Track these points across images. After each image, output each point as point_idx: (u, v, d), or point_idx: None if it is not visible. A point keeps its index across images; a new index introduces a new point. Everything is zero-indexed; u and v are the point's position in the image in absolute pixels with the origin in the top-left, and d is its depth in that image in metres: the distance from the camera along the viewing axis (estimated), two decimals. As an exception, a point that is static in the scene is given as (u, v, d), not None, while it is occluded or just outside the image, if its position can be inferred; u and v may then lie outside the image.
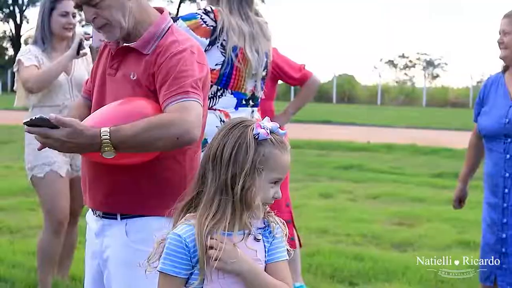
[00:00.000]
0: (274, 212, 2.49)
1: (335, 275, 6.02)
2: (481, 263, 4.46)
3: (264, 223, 2.44)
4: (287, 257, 2.43)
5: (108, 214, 2.91)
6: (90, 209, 3.02)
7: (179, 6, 56.96)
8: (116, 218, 2.89)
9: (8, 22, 63.42)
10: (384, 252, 6.82)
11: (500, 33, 4.37)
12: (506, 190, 4.26)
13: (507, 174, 4.25)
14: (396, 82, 72.13)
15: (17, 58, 5.09)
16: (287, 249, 2.45)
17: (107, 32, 2.89)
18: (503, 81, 4.42)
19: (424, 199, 10.32)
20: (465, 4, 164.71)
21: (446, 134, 22.50)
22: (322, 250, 6.62)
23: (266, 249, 2.41)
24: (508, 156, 4.25)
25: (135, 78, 2.84)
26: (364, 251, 6.75)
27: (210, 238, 2.30)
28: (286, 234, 2.46)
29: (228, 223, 2.32)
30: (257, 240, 2.39)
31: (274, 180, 2.38)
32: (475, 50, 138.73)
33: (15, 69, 5.12)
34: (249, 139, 2.34)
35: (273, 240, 2.42)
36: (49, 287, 5.20)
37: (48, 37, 5.16)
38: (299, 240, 5.68)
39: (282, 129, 2.44)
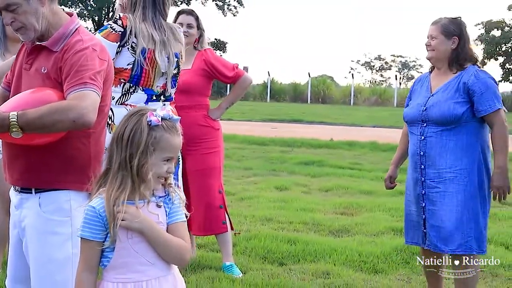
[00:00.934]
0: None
1: (267, 256, 6.41)
2: (406, 227, 5.18)
3: (165, 192, 2.91)
4: (184, 219, 2.91)
5: (24, 189, 3.33)
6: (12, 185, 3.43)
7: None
8: (31, 192, 3.30)
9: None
10: (318, 237, 7.22)
11: (428, 38, 4.99)
12: (422, 166, 4.88)
13: (421, 153, 4.90)
14: (370, 82, 72.73)
15: None
16: (185, 214, 2.93)
17: (23, 34, 3.33)
18: (428, 79, 5.09)
19: (373, 191, 10.63)
20: (442, 8, 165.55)
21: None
22: (259, 235, 7.00)
23: (167, 213, 2.88)
24: (422, 137, 4.90)
25: (45, 71, 3.27)
26: (300, 236, 7.13)
27: (117, 206, 2.75)
28: (183, 201, 2.94)
29: (130, 194, 2.79)
30: (159, 206, 2.87)
31: (166, 158, 2.85)
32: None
33: None
34: (144, 125, 2.81)
35: (172, 205, 2.91)
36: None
37: (2, 39, 5.53)
38: (230, 224, 6.08)
39: (176, 116, 2.92)
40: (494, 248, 6.97)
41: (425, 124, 4.90)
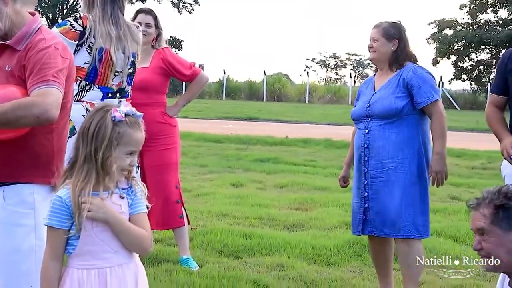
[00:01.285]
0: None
1: (223, 250, 6.58)
2: (352, 218, 5.41)
3: (127, 185, 3.09)
4: (146, 210, 3.09)
5: None
6: None
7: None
8: None
9: None
10: (273, 232, 7.41)
11: (370, 40, 5.33)
12: (366, 158, 5.18)
13: (365, 145, 5.20)
14: (325, 80, 73.20)
15: None
16: (146, 205, 3.12)
17: None
18: (373, 79, 5.42)
19: (327, 187, 10.81)
20: (395, 7, 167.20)
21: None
22: (216, 229, 7.16)
23: (129, 204, 3.06)
24: (366, 131, 5.22)
25: (9, 70, 3.40)
26: (255, 230, 7.31)
27: (82, 197, 2.92)
28: (145, 193, 3.13)
29: (95, 185, 2.96)
30: (122, 197, 3.05)
31: (129, 152, 3.04)
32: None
33: None
34: (108, 120, 2.98)
35: (134, 197, 3.09)
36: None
37: None
38: (187, 219, 6.24)
39: (139, 112, 3.11)
40: (444, 240, 7.23)
41: (369, 119, 5.22)
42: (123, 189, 3.08)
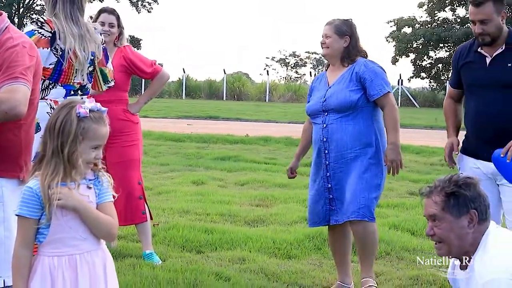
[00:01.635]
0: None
1: (185, 245, 6.74)
2: (310, 211, 5.66)
3: (94, 176, 3.27)
4: (112, 200, 3.28)
5: None
6: None
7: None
8: None
9: None
10: (234, 227, 7.57)
11: (323, 37, 5.59)
12: (326, 151, 5.46)
13: (324, 139, 5.48)
14: (285, 79, 73.44)
15: None
16: (112, 195, 3.31)
17: None
18: (325, 75, 5.69)
19: (287, 184, 10.94)
20: (354, 5, 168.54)
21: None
22: (178, 225, 7.30)
23: (96, 194, 3.24)
24: (324, 125, 5.49)
25: None
26: (216, 226, 7.47)
27: (51, 189, 3.09)
28: (111, 184, 3.31)
29: (63, 177, 3.13)
30: (89, 187, 3.23)
31: (94, 146, 3.21)
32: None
33: None
34: (73, 116, 3.16)
35: (101, 187, 3.27)
36: None
37: None
38: (150, 214, 6.38)
39: (103, 107, 3.32)
40: (401, 233, 7.45)
41: (326, 113, 5.49)
42: (90, 180, 3.25)
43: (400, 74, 46.25)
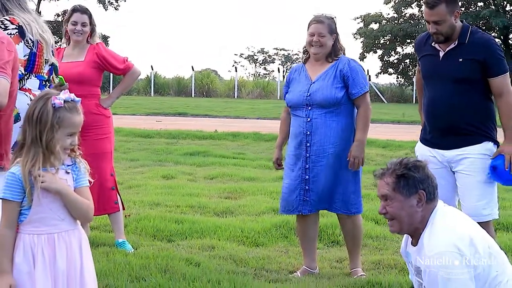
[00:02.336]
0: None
1: (156, 235, 7.01)
2: (284, 199, 5.95)
3: (72, 162, 3.59)
4: (88, 184, 3.63)
5: None
6: None
7: (38, 3, 56.39)
8: None
9: None
10: (203, 218, 7.85)
11: (315, 35, 5.80)
12: (308, 144, 5.74)
13: (308, 132, 5.77)
14: (254, 76, 73.66)
15: None
16: (88, 180, 3.66)
17: None
18: (304, 68, 5.97)
19: (256, 178, 11.33)
20: (321, 2, 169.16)
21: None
22: (149, 216, 7.57)
23: (74, 179, 3.58)
24: (308, 119, 5.77)
25: None
26: (186, 217, 7.74)
27: (32, 174, 3.40)
28: (88, 170, 3.67)
29: (42, 163, 3.43)
30: (67, 172, 3.56)
31: (69, 133, 3.52)
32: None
33: None
34: (49, 107, 3.45)
35: (78, 172, 3.61)
36: None
37: None
38: (122, 204, 6.66)
39: (77, 98, 3.59)
40: (366, 222, 7.74)
41: (309, 108, 5.76)
42: (68, 165, 3.56)
43: (367, 70, 46.67)
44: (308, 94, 5.76)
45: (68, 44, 6.68)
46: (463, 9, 46.89)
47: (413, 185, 3.67)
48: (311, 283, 5.41)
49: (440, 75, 5.35)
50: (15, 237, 3.47)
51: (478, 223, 4.97)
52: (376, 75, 53.65)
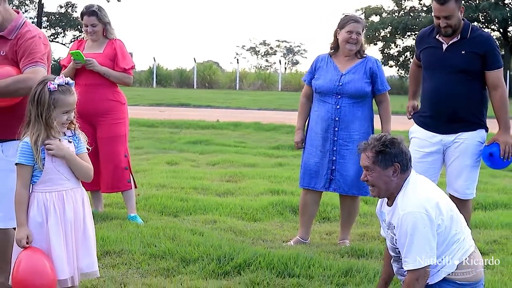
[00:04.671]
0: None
1: (164, 211, 7.79)
2: (310, 176, 6.70)
3: (72, 133, 4.39)
4: (86, 151, 4.40)
5: None
6: None
7: None
8: None
9: None
10: (206, 197, 8.62)
11: (353, 33, 6.58)
12: (336, 129, 6.57)
13: (336, 118, 6.58)
14: (256, 67, 74.07)
15: None
16: (87, 147, 4.44)
17: None
18: (331, 60, 6.75)
19: (256, 164, 12.09)
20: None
21: (292, 114, 24.56)
22: (156, 195, 8.37)
23: (75, 146, 4.37)
24: (338, 106, 6.57)
25: (4, 54, 4.63)
26: (190, 196, 8.52)
27: (37, 144, 4.21)
28: (86, 140, 4.44)
29: (45, 135, 4.23)
30: (70, 142, 4.36)
31: (65, 111, 4.31)
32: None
33: None
34: (45, 90, 4.24)
35: (78, 141, 4.41)
36: None
37: None
38: (134, 183, 7.43)
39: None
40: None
41: (339, 96, 6.57)
42: (69, 136, 4.36)
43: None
44: (340, 84, 6.56)
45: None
46: (463, 2, 47.37)
47: (389, 159, 4.40)
48: (301, 249, 6.16)
49: (443, 65, 6.07)
50: (29, 196, 4.25)
51: (461, 200, 5.87)
52: (383, 69, 54.12)
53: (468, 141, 6.02)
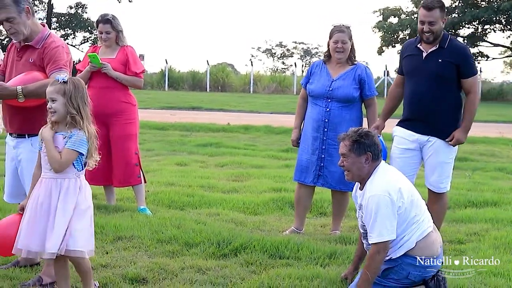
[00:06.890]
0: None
1: (171, 205, 8.82)
2: (301, 171, 7.71)
3: (73, 132, 5.11)
4: (72, 148, 4.99)
5: (20, 135, 5.72)
6: (8, 134, 5.76)
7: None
8: (25, 137, 5.70)
9: None
10: (212, 194, 9.61)
11: (339, 42, 7.54)
12: (326, 129, 7.52)
13: (326, 120, 7.53)
14: (272, 70, 74.40)
15: None
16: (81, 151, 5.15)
17: (15, 36, 5.70)
18: (325, 66, 7.72)
19: (263, 166, 13.02)
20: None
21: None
22: (165, 191, 9.41)
23: (65, 142, 5.01)
24: (328, 109, 7.53)
25: (32, 61, 5.68)
26: (197, 192, 9.52)
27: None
28: (92, 143, 5.14)
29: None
30: (64, 137, 5.04)
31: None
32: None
33: None
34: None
35: (69, 139, 5.00)
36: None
37: None
38: (144, 178, 8.45)
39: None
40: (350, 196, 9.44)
41: (329, 100, 7.51)
42: (67, 133, 5.09)
43: (386, 65, 47.56)
44: (330, 89, 7.48)
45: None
46: (483, 3, 47.80)
47: (363, 149, 5.41)
48: (295, 237, 7.13)
49: (422, 72, 6.98)
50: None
51: (436, 193, 6.83)
52: (395, 70, 54.69)
53: (440, 141, 6.95)
